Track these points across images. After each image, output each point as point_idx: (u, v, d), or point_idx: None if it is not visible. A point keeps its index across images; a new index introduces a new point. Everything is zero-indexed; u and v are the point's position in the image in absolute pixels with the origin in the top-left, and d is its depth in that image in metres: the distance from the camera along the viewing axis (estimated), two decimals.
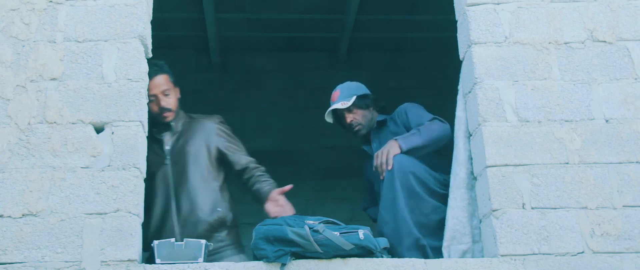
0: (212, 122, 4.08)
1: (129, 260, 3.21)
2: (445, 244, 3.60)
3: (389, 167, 3.68)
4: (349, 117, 4.12)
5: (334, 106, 4.11)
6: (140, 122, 3.44)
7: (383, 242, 3.37)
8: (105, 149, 3.36)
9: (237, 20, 7.19)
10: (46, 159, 3.34)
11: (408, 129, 3.96)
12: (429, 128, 3.88)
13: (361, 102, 4.15)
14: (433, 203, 3.69)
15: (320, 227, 3.24)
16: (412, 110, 4.07)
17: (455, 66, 4.07)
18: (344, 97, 4.14)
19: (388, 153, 3.72)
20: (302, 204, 7.05)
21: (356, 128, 4.15)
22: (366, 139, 4.23)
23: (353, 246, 3.22)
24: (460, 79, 3.80)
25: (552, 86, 3.57)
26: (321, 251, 3.20)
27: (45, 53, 3.50)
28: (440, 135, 3.87)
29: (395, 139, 3.80)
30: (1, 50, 3.50)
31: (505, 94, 3.54)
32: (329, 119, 4.20)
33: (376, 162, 3.74)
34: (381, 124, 4.17)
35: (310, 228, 3.23)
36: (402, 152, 3.73)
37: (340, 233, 3.25)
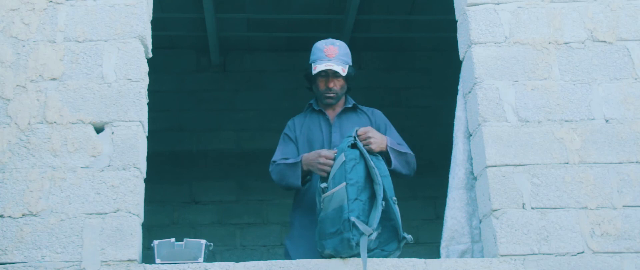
0: None
1: (129, 260, 3.21)
2: (443, 244, 3.60)
3: (371, 145, 3.51)
4: (333, 83, 3.87)
5: (334, 67, 3.82)
6: (140, 122, 3.44)
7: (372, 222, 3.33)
8: (105, 149, 3.36)
9: (237, 20, 7.19)
10: (46, 159, 3.34)
11: None
12: (411, 160, 3.79)
13: (348, 74, 3.91)
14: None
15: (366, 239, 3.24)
16: (392, 128, 3.94)
17: (455, 66, 4.07)
18: (341, 60, 3.88)
19: (376, 138, 3.58)
20: None
21: (330, 95, 3.89)
22: (321, 110, 3.98)
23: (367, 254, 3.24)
24: (460, 79, 3.80)
25: (552, 86, 3.57)
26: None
27: (45, 53, 3.50)
28: (409, 173, 3.80)
29: (387, 138, 3.68)
30: (1, 50, 3.50)
31: (505, 94, 3.55)
32: (323, 68, 3.83)
33: (364, 135, 3.52)
34: (352, 109, 3.98)
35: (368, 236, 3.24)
36: (381, 150, 3.60)
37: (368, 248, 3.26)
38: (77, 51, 3.52)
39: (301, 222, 3.79)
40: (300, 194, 3.86)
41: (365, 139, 3.52)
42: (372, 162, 3.38)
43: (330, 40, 3.97)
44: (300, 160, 3.68)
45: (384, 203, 3.31)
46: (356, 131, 3.53)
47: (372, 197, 3.34)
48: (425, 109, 7.70)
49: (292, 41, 7.54)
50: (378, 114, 4.01)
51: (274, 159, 3.87)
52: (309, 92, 4.05)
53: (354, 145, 3.46)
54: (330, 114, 3.96)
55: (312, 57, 3.92)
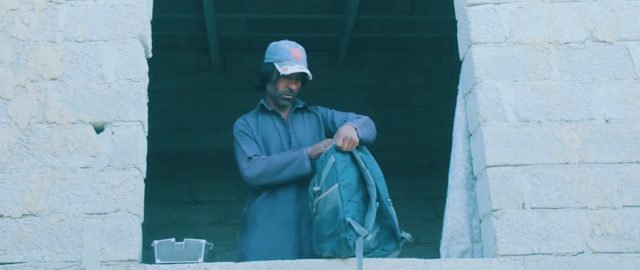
0: None
1: (129, 260, 3.21)
2: (443, 244, 3.61)
3: (355, 146, 3.53)
4: (295, 85, 3.87)
5: (306, 71, 3.81)
6: (140, 122, 3.44)
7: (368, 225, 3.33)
8: (105, 149, 3.36)
9: (237, 20, 7.19)
10: (46, 159, 3.34)
11: (333, 124, 3.86)
12: (371, 123, 3.77)
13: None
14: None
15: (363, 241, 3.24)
16: (335, 111, 3.97)
17: (455, 66, 4.07)
18: (306, 65, 3.88)
19: (353, 138, 3.53)
20: None
21: (289, 96, 3.88)
22: (274, 111, 3.93)
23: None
24: (460, 79, 3.80)
25: (552, 86, 3.57)
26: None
27: (45, 53, 3.50)
28: (375, 134, 3.78)
29: (350, 125, 3.62)
30: (1, 50, 3.50)
31: (505, 94, 3.55)
32: (297, 70, 3.80)
33: (344, 144, 3.49)
34: (302, 110, 3.98)
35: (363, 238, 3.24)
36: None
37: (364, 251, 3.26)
38: (77, 51, 3.52)
39: (264, 222, 3.73)
40: (261, 195, 3.79)
41: (351, 144, 3.50)
42: (363, 164, 3.38)
43: (291, 42, 3.95)
44: (305, 152, 3.67)
45: (378, 203, 3.32)
46: (335, 148, 3.49)
47: (366, 198, 3.34)
48: (425, 109, 7.70)
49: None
50: (321, 108, 4.01)
51: (249, 155, 3.76)
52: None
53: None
54: (284, 114, 3.95)
55: (275, 57, 3.86)
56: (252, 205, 3.82)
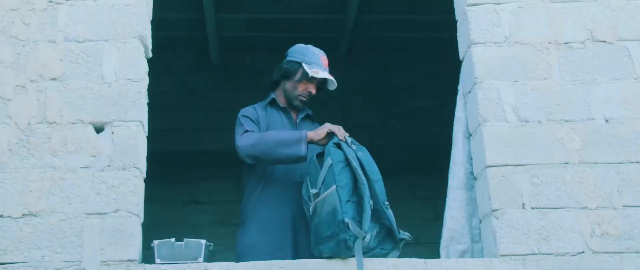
0: None
1: (129, 260, 3.21)
2: (443, 244, 3.61)
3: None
4: (314, 90, 3.92)
5: (334, 80, 3.87)
6: (140, 122, 3.44)
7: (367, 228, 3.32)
8: (105, 149, 3.36)
9: (237, 20, 7.19)
10: (46, 159, 3.34)
11: None
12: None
13: None
14: None
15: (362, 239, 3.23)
16: None
17: (455, 66, 4.08)
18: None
19: (339, 128, 3.63)
20: None
21: (305, 99, 3.92)
22: (286, 109, 3.96)
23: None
24: (460, 79, 3.80)
25: (552, 86, 3.57)
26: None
27: (45, 53, 3.50)
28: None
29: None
30: (1, 50, 3.50)
31: (505, 94, 3.54)
32: (326, 77, 3.86)
33: (340, 133, 3.56)
34: (310, 117, 4.04)
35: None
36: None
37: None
38: (77, 51, 3.52)
39: (262, 217, 3.75)
40: (258, 190, 3.82)
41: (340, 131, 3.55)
42: (355, 163, 3.37)
43: (319, 49, 3.98)
44: (304, 133, 3.65)
45: (372, 202, 3.30)
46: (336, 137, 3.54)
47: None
48: (425, 109, 7.69)
49: (292, 41, 7.39)
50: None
51: (246, 128, 3.76)
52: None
53: (338, 146, 3.47)
54: (293, 115, 3.97)
55: (304, 58, 3.89)
56: (250, 199, 3.85)
